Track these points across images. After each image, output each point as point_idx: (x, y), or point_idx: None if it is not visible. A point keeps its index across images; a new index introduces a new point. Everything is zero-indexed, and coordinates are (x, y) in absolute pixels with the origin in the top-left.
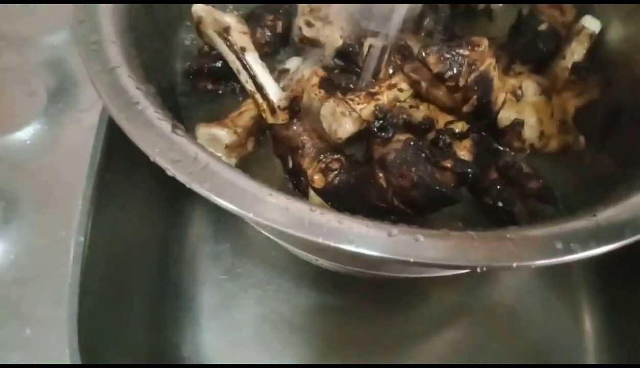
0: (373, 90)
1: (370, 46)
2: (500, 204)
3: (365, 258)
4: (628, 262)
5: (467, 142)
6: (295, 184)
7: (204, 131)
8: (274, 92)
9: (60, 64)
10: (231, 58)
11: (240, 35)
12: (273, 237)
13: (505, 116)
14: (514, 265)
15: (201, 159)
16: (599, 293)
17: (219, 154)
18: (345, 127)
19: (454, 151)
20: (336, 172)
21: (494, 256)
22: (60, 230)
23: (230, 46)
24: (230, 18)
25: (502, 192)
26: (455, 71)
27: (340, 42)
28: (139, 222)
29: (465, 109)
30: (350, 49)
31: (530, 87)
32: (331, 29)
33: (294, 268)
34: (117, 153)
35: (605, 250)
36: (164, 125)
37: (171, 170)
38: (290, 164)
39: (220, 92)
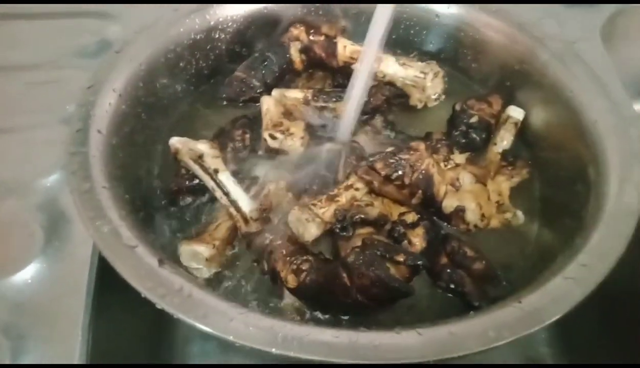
0: (332, 193)
1: (327, 150)
2: (452, 286)
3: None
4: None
5: (419, 230)
6: (274, 282)
7: (185, 248)
8: (246, 204)
9: (53, 204)
10: (206, 178)
11: (212, 159)
12: None
13: (449, 204)
14: (457, 355)
15: (185, 289)
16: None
17: (200, 266)
18: (311, 232)
19: (408, 240)
20: (306, 272)
21: (442, 350)
22: (63, 361)
23: (205, 169)
24: (203, 145)
25: (453, 275)
26: (400, 173)
27: (301, 150)
28: (133, 334)
29: (414, 201)
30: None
31: (466, 177)
32: (292, 139)
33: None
34: (110, 279)
35: (529, 332)
36: (152, 261)
37: (160, 304)
38: (266, 267)
39: (201, 202)
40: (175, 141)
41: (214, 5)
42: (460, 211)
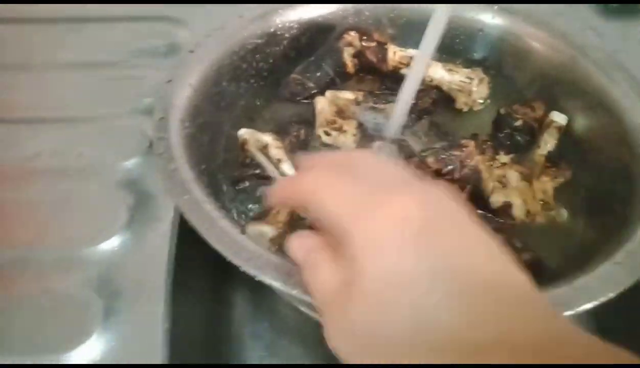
0: None
1: (377, 146)
2: None
3: None
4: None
5: None
6: None
7: (252, 229)
8: None
9: (136, 183)
10: (270, 168)
11: (276, 149)
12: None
13: (496, 199)
14: None
15: (264, 255)
16: None
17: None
18: None
19: None
20: None
21: None
22: (149, 320)
23: (269, 159)
24: (268, 137)
25: None
26: (450, 167)
27: (353, 146)
28: (197, 308)
29: (462, 195)
30: None
31: (513, 175)
32: (345, 136)
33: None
34: (185, 253)
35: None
36: (234, 230)
37: (244, 267)
38: None
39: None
40: (244, 132)
41: (275, 13)
42: (507, 206)
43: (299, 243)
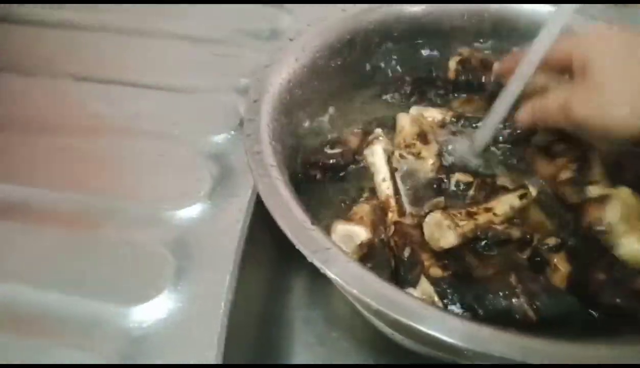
0: (472, 210)
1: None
2: (618, 302)
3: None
4: None
5: (562, 254)
6: (409, 269)
7: (341, 227)
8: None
9: (221, 157)
10: (383, 169)
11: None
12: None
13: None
14: None
15: (333, 250)
16: None
17: (347, 250)
18: (448, 239)
19: (551, 264)
20: (452, 271)
21: None
22: (216, 287)
23: (389, 161)
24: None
25: (617, 290)
26: None
27: (431, 175)
28: (258, 286)
29: None
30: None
31: None
32: (422, 163)
33: (375, 344)
34: (256, 232)
35: None
36: (305, 220)
37: (311, 258)
38: (407, 254)
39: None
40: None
41: (378, 9)
42: None
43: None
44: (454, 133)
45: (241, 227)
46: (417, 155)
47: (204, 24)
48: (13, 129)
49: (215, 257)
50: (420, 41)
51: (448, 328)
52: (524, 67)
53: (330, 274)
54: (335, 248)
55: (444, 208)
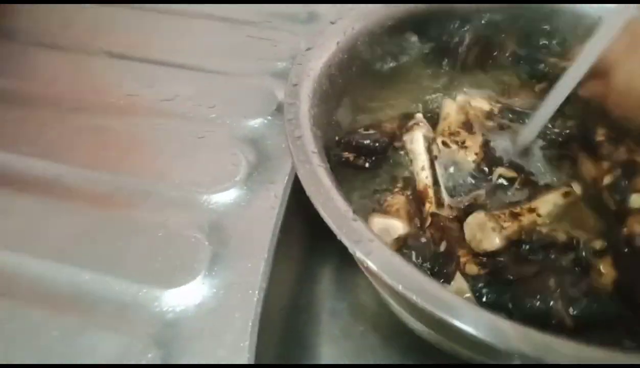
0: (516, 211)
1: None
2: None
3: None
4: None
5: (608, 258)
6: (444, 263)
7: (378, 221)
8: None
9: (258, 142)
10: (423, 157)
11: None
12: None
13: None
14: None
15: (376, 241)
16: None
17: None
18: (493, 242)
19: (597, 269)
20: (489, 269)
21: None
22: (250, 274)
23: (429, 149)
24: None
25: None
26: None
27: (472, 166)
28: (289, 275)
29: None
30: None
31: None
32: (466, 153)
33: (402, 340)
34: (291, 219)
35: None
36: (347, 210)
37: (353, 249)
38: (443, 248)
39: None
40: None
41: None
42: None
43: None
44: (501, 126)
45: (277, 215)
46: (461, 145)
47: (241, 6)
48: (47, 106)
49: (250, 244)
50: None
51: (497, 332)
52: (578, 64)
53: (374, 267)
54: (379, 240)
55: (484, 205)
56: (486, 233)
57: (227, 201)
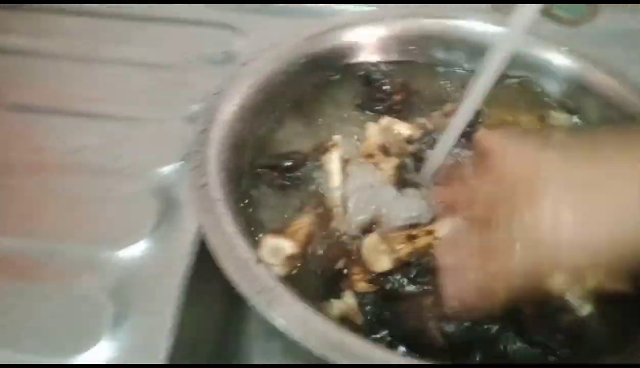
0: (413, 233)
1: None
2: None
3: None
4: None
5: None
6: (332, 281)
7: (271, 241)
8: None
9: (167, 191)
10: (337, 177)
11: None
12: None
13: None
14: None
15: (277, 289)
16: None
17: (276, 264)
18: (382, 264)
19: None
20: (378, 287)
21: None
22: (156, 332)
23: (343, 170)
24: None
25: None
26: None
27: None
28: (210, 322)
29: None
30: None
31: None
32: (379, 175)
33: None
34: (205, 268)
35: None
36: (251, 257)
37: (253, 300)
38: (339, 265)
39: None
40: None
41: (332, 32)
42: None
43: None
44: (420, 150)
45: (187, 264)
46: (376, 166)
47: (153, 49)
48: None
49: (158, 300)
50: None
51: None
52: (472, 95)
53: (273, 316)
54: (281, 287)
55: (384, 224)
56: (378, 255)
57: (134, 256)
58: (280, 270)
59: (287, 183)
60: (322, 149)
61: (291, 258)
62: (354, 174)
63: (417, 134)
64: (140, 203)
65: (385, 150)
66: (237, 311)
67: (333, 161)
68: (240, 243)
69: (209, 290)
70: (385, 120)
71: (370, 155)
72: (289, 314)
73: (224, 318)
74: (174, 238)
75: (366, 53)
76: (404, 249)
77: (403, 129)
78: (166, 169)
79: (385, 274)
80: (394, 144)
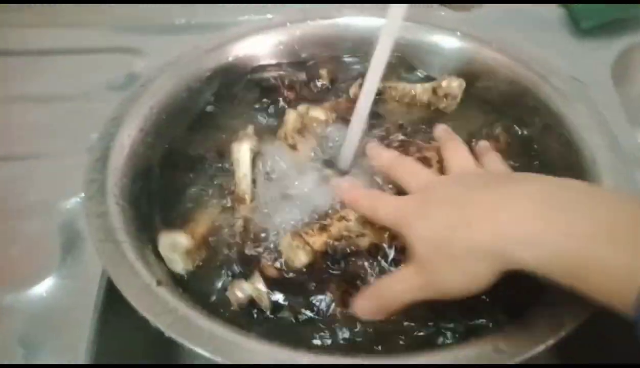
0: (325, 223)
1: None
2: None
3: None
4: None
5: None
6: (242, 264)
7: (166, 238)
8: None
9: (71, 225)
10: (246, 165)
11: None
12: None
13: None
14: None
15: (180, 309)
16: None
17: (177, 258)
18: (301, 259)
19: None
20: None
21: None
22: None
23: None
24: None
25: None
26: None
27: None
28: (136, 348)
29: None
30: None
31: None
32: (295, 155)
33: None
34: (116, 297)
35: None
36: (151, 281)
37: (155, 322)
38: (248, 251)
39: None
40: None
41: (230, 43)
42: None
43: None
44: (336, 132)
45: (95, 298)
46: (292, 147)
47: (53, 81)
48: None
49: (68, 337)
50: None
51: None
52: (367, 86)
53: (172, 335)
54: (183, 307)
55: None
56: (294, 252)
57: (41, 295)
58: (182, 265)
59: (193, 188)
60: (234, 138)
61: (191, 251)
62: (271, 153)
63: (332, 119)
64: (44, 240)
65: (303, 133)
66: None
67: (244, 151)
68: (140, 269)
69: (123, 321)
70: (302, 107)
71: (289, 137)
72: (192, 333)
73: (155, 339)
74: (81, 272)
75: (264, 59)
76: (317, 240)
77: (319, 113)
78: (69, 203)
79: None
80: (310, 128)
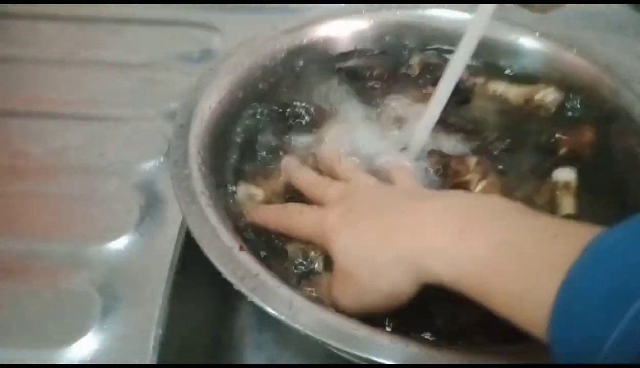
0: None
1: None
2: None
3: None
4: None
5: None
6: None
7: (243, 188)
8: None
9: (150, 186)
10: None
11: None
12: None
13: None
14: None
15: (261, 275)
16: None
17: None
18: None
19: None
20: None
21: None
22: (144, 323)
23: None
24: None
25: None
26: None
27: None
28: (200, 314)
29: None
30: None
31: None
32: None
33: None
34: (190, 258)
35: None
36: (234, 245)
37: (238, 286)
38: None
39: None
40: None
41: (308, 26)
42: None
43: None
44: None
45: (171, 257)
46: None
47: (130, 50)
48: None
49: (144, 292)
50: None
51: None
52: (452, 69)
53: (258, 301)
54: (264, 273)
55: None
56: None
57: (119, 250)
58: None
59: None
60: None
61: (265, 201)
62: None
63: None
64: (123, 199)
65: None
66: (228, 303)
67: (330, 129)
68: (223, 232)
69: (197, 281)
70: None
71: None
72: (273, 298)
73: (214, 309)
74: (158, 231)
75: (343, 45)
76: None
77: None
78: (148, 165)
79: None
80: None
